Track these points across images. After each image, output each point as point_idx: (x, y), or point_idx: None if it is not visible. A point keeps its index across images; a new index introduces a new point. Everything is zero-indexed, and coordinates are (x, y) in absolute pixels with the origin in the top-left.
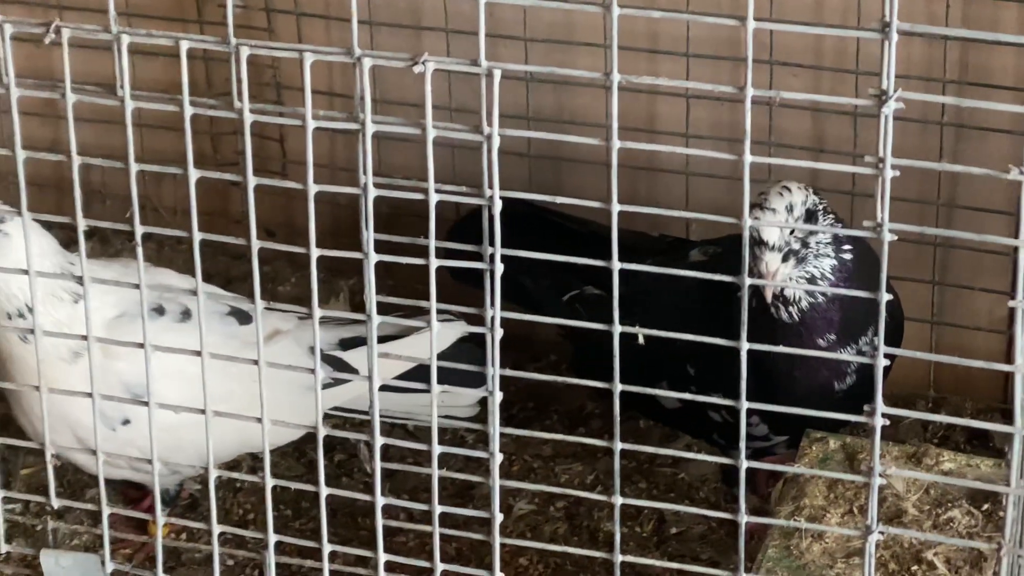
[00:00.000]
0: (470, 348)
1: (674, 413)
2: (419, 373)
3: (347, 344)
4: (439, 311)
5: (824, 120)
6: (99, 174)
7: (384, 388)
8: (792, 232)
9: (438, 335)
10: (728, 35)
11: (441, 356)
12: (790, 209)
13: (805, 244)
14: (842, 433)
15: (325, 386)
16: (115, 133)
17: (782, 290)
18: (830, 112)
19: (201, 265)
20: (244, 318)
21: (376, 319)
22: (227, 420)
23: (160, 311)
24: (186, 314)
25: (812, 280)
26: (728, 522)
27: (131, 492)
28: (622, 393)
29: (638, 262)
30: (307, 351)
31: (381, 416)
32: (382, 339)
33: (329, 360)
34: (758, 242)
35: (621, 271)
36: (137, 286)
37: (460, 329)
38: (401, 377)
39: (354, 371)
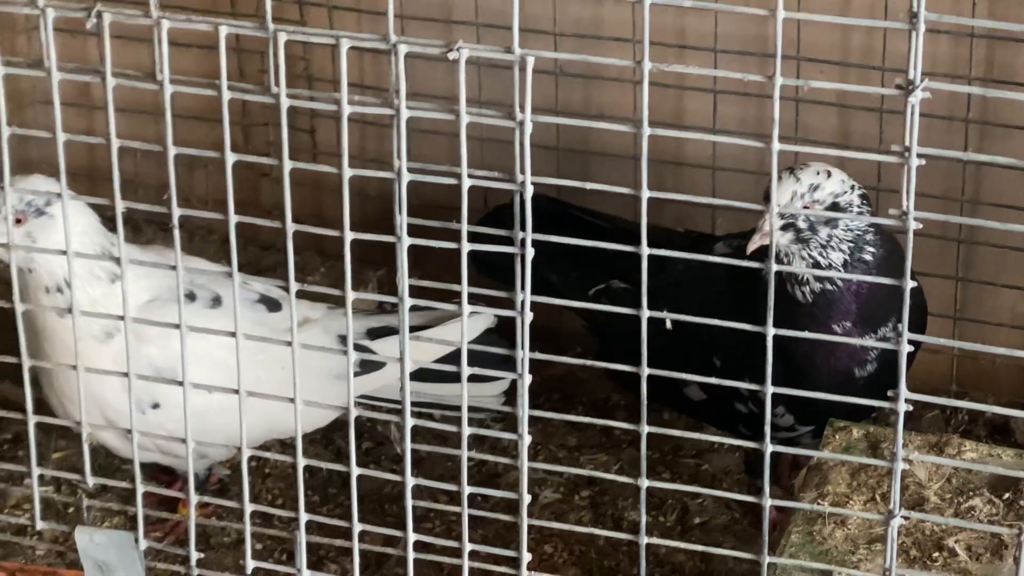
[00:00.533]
0: (496, 340)
1: (700, 405)
2: (446, 361)
3: (375, 334)
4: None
5: (850, 116)
6: (132, 164)
7: (412, 377)
8: (806, 208)
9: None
10: (755, 33)
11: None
12: (814, 188)
13: (813, 229)
14: (865, 423)
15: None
16: (147, 124)
17: (790, 265)
18: (856, 108)
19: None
20: (273, 306)
21: (408, 301)
22: (255, 406)
23: (191, 297)
24: (216, 301)
25: (817, 267)
26: (751, 512)
27: (161, 477)
28: (648, 387)
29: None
30: (336, 339)
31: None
32: (410, 329)
33: (356, 350)
34: (765, 197)
35: (648, 265)
36: (174, 267)
37: (487, 321)
38: (428, 370)
39: (381, 361)
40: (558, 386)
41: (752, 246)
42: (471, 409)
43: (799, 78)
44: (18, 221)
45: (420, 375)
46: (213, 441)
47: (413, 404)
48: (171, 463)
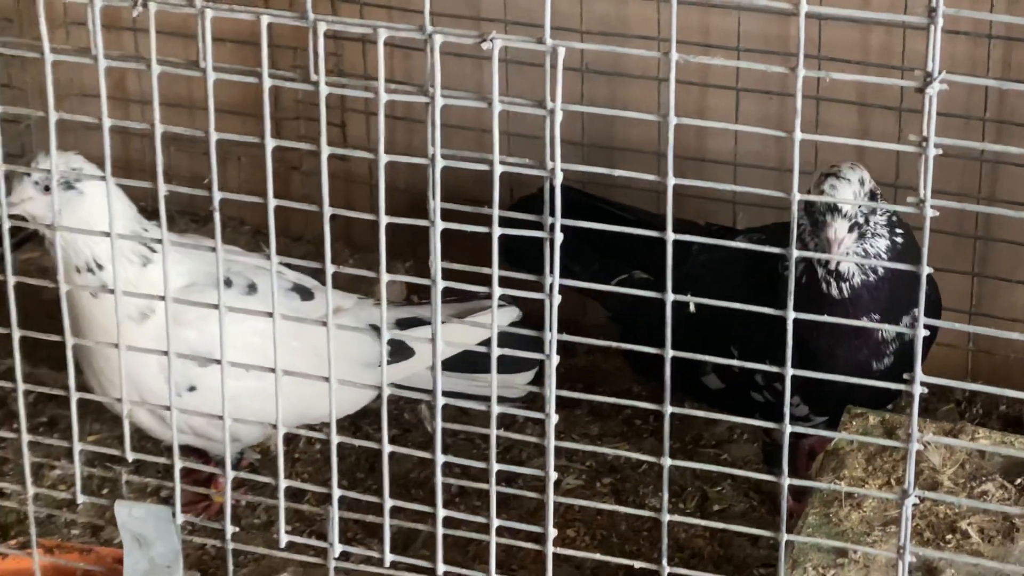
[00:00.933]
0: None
1: (717, 394)
2: (471, 358)
3: (404, 324)
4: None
5: (869, 114)
6: (165, 156)
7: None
8: (860, 207)
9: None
10: (777, 32)
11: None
12: (862, 183)
13: (867, 221)
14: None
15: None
16: (180, 117)
17: (837, 264)
18: (875, 107)
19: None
20: (306, 294)
21: (440, 283)
22: (288, 393)
23: (227, 284)
24: (252, 287)
25: (866, 258)
26: (769, 500)
27: (194, 458)
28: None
29: (686, 248)
30: (367, 328)
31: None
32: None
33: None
34: (831, 208)
35: (666, 262)
36: (213, 249)
37: (512, 314)
38: (456, 360)
39: (411, 351)
40: (581, 377)
41: (833, 262)
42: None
43: (818, 81)
44: (46, 188)
45: (446, 366)
46: (247, 425)
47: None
48: (204, 446)
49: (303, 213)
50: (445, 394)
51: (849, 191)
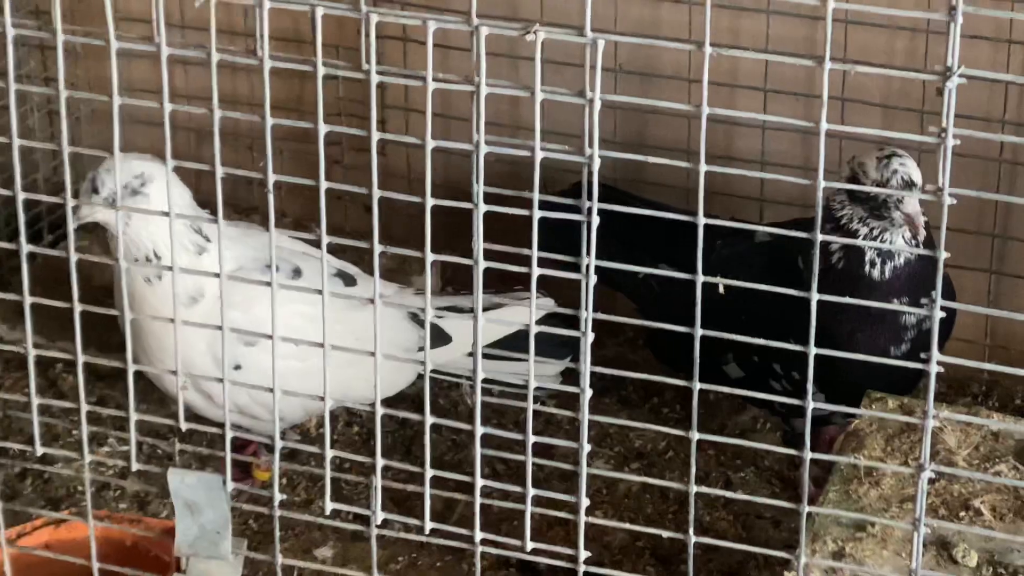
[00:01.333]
0: (557, 323)
1: (737, 383)
2: (506, 342)
3: (442, 313)
4: (527, 289)
5: (892, 116)
6: (209, 149)
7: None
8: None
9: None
10: (804, 35)
11: (527, 332)
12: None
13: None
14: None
15: (420, 349)
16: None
17: (890, 242)
18: (898, 109)
19: (302, 240)
20: (349, 280)
21: (482, 263)
22: (330, 375)
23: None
24: (297, 272)
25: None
26: (791, 488)
27: (236, 440)
28: (689, 364)
29: (710, 241)
30: (407, 315)
31: (469, 379)
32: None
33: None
34: (908, 183)
35: (691, 256)
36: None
37: (548, 305)
38: (493, 346)
39: (449, 337)
40: (609, 367)
41: (921, 233)
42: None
43: (844, 76)
44: (113, 201)
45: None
46: (290, 405)
47: (470, 379)
48: (248, 424)
49: (343, 206)
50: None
51: (916, 168)
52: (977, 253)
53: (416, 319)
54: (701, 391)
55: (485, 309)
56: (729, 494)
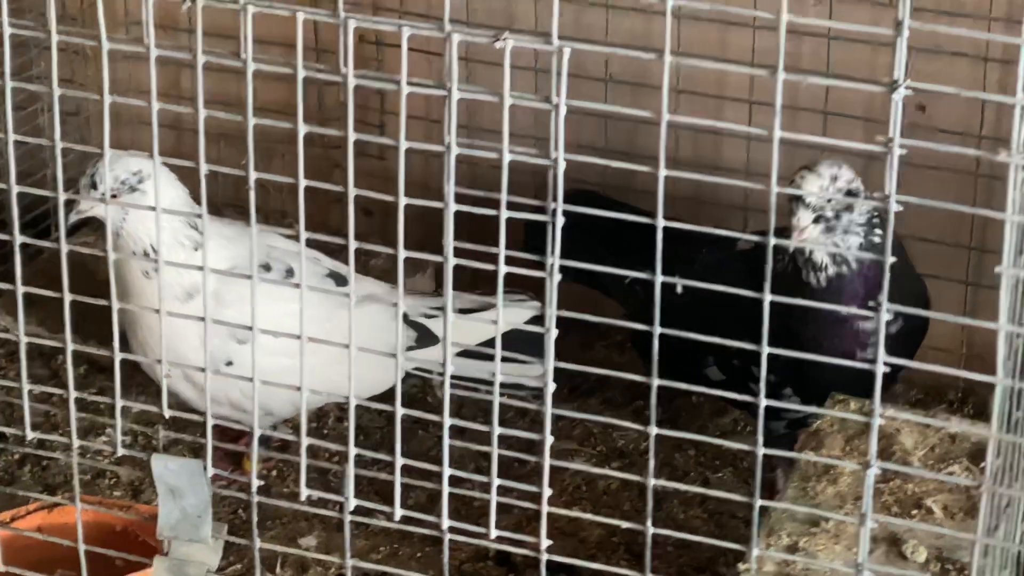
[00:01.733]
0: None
1: (718, 386)
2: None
3: (432, 314)
4: (515, 292)
5: (874, 131)
6: (215, 151)
7: (458, 355)
8: (830, 202)
9: (512, 315)
10: (791, 50)
11: (514, 332)
12: (834, 179)
13: (838, 217)
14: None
15: (409, 348)
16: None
17: (810, 253)
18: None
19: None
20: (342, 281)
21: (452, 260)
22: (317, 373)
23: (267, 268)
24: (290, 272)
25: (836, 253)
26: (767, 487)
27: (228, 434)
28: (671, 368)
29: (694, 249)
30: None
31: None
32: (463, 311)
33: (415, 326)
34: (796, 198)
35: (675, 268)
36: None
37: (532, 308)
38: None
39: (436, 337)
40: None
41: (795, 243)
42: (512, 386)
43: (828, 91)
44: (113, 196)
45: (467, 355)
46: (279, 401)
47: (458, 378)
48: (240, 419)
49: (342, 208)
50: (464, 379)
51: (816, 184)
52: (954, 265)
53: (407, 319)
54: (686, 394)
55: (477, 310)
56: (685, 487)
